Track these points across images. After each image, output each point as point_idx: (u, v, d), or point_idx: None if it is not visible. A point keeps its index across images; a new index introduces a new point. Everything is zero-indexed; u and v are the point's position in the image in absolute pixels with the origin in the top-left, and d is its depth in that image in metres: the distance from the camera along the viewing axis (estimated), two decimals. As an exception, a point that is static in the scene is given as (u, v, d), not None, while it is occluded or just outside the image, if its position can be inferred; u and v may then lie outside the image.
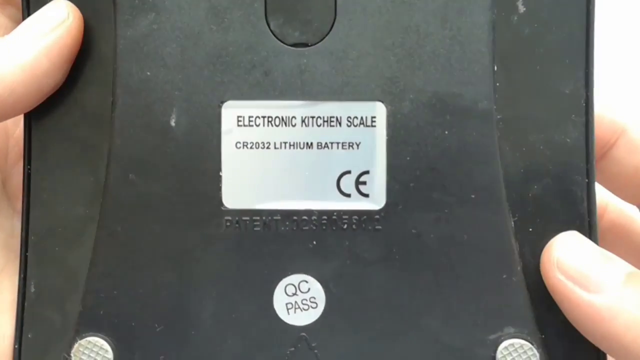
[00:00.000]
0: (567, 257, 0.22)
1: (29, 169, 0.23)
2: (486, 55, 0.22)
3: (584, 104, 0.23)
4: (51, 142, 0.23)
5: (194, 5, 0.22)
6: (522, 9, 0.23)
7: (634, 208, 0.27)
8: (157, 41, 0.22)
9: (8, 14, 0.26)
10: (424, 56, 0.22)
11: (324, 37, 0.22)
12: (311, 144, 0.22)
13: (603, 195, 0.27)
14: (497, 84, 0.22)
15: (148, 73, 0.22)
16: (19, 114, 0.24)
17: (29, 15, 0.24)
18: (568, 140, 0.23)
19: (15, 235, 0.25)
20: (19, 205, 0.25)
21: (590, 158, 0.23)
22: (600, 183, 0.26)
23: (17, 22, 0.26)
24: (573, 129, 0.23)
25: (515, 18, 0.23)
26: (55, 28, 0.23)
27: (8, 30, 0.26)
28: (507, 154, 0.22)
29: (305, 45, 0.22)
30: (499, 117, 0.22)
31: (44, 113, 0.23)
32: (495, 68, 0.22)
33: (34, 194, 0.23)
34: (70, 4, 0.23)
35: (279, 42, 0.22)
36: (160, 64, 0.22)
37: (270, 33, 0.22)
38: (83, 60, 0.23)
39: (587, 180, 0.23)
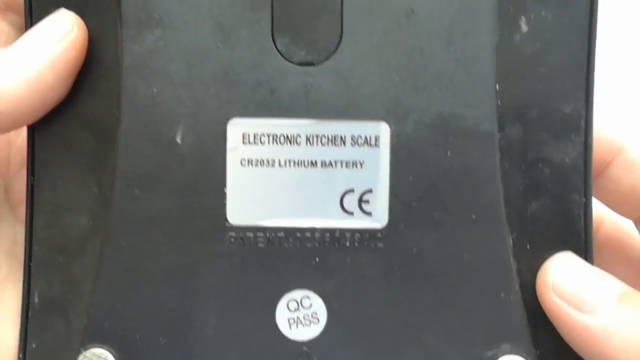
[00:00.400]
0: (562, 279, 0.22)
1: (33, 180, 0.23)
2: (489, 77, 0.22)
3: (584, 125, 0.23)
4: (54, 153, 0.23)
5: (200, 22, 0.22)
6: (525, 28, 0.23)
7: (630, 222, 0.27)
8: (163, 57, 0.22)
9: (9, 20, 0.26)
10: (427, 77, 0.22)
11: (329, 57, 0.22)
12: (315, 162, 0.22)
13: (599, 209, 0.27)
14: (499, 102, 0.23)
15: (154, 89, 0.22)
16: (23, 126, 0.24)
17: (32, 23, 0.23)
18: (567, 159, 0.23)
19: (18, 242, 0.25)
20: (21, 212, 0.25)
21: (588, 178, 0.23)
22: (597, 198, 0.26)
23: (19, 29, 0.26)
24: (572, 148, 0.23)
25: (518, 37, 0.23)
26: (59, 40, 0.23)
27: (9, 37, 0.26)
28: (507, 171, 0.23)
29: (311, 64, 0.22)
30: (499, 135, 0.23)
31: (47, 124, 0.23)
32: (497, 87, 0.23)
33: (37, 204, 0.23)
34: (75, 16, 0.23)
35: (285, 60, 0.22)
36: (167, 81, 0.22)
37: (277, 51, 0.22)
38: (87, 71, 0.23)
39: (584, 200, 0.23)
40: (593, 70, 0.23)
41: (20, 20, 0.26)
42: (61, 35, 0.23)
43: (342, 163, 0.22)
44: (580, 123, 0.23)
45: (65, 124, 0.23)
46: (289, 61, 0.22)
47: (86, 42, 0.23)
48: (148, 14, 0.22)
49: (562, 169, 0.23)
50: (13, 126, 0.23)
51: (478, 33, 0.22)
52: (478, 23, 0.22)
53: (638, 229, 0.26)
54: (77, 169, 0.23)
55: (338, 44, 0.22)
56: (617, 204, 0.26)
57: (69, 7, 0.23)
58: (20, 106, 0.22)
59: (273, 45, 0.22)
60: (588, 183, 0.23)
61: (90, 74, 0.23)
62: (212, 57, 0.22)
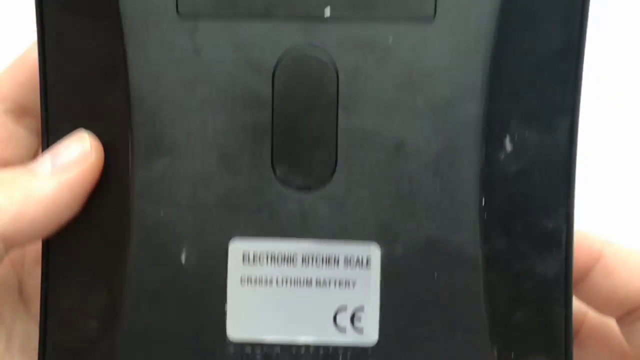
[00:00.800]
0: None
1: (47, 286, 0.25)
2: (473, 206, 0.24)
3: (564, 240, 0.25)
4: (68, 260, 0.25)
5: (206, 151, 0.24)
6: (509, 147, 0.25)
7: (612, 319, 0.29)
8: (171, 183, 0.24)
9: (25, 125, 0.27)
10: (415, 204, 0.24)
11: (325, 184, 0.24)
12: (310, 280, 0.24)
13: (581, 306, 0.29)
14: (485, 215, 0.24)
15: (162, 212, 0.24)
16: (37, 240, 0.25)
17: (48, 137, 0.25)
18: (549, 272, 0.25)
19: (31, 338, 0.26)
20: (34, 308, 0.27)
21: (569, 290, 0.25)
22: (579, 300, 0.28)
23: (34, 132, 0.28)
24: (554, 262, 0.25)
25: (503, 156, 0.25)
26: (78, 163, 0.24)
27: (25, 141, 0.28)
28: (492, 282, 0.24)
29: (308, 190, 0.24)
30: (486, 247, 0.24)
31: (61, 233, 0.25)
32: (484, 201, 0.24)
33: (50, 309, 0.25)
34: (93, 138, 0.24)
35: (283, 186, 0.24)
36: (173, 204, 0.24)
37: (276, 178, 0.24)
38: (100, 185, 0.25)
39: (565, 311, 0.25)
40: (574, 189, 0.25)
41: (36, 124, 0.28)
42: (80, 157, 0.24)
43: (335, 282, 0.24)
44: (561, 238, 0.25)
45: (78, 233, 0.25)
46: (287, 187, 0.24)
47: (102, 164, 0.24)
48: (157, 143, 0.24)
49: (545, 281, 0.25)
50: (29, 242, 0.25)
51: (462, 165, 0.24)
52: (462, 156, 0.24)
53: (619, 325, 0.28)
54: (89, 276, 0.25)
55: (333, 173, 0.24)
56: (598, 306, 0.28)
57: (83, 124, 0.25)
58: (37, 225, 0.24)
59: (272, 173, 0.24)
60: (569, 295, 0.25)
61: (103, 187, 0.25)
62: (216, 183, 0.24)
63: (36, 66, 0.25)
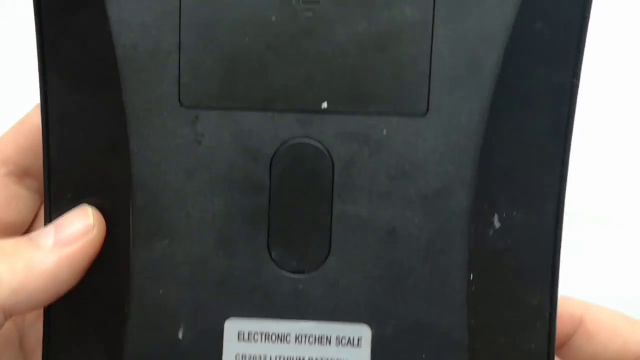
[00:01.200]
0: None
1: (48, 349, 0.26)
2: (460, 291, 0.25)
3: (548, 316, 0.26)
4: (69, 327, 0.26)
5: (204, 234, 0.24)
6: (497, 224, 0.26)
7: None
8: (170, 264, 0.25)
9: (26, 185, 0.28)
10: (406, 288, 0.25)
11: (319, 267, 0.25)
12: (303, 358, 0.25)
13: None
14: (473, 288, 0.25)
15: (160, 291, 0.25)
16: (37, 309, 0.26)
17: (50, 208, 0.26)
18: (532, 345, 0.26)
19: None
20: None
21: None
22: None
23: (36, 192, 0.29)
24: (537, 336, 0.26)
25: (491, 232, 0.26)
26: (80, 237, 0.25)
27: (27, 200, 0.28)
28: (478, 353, 0.25)
29: (302, 272, 0.25)
30: (472, 322, 0.25)
31: (62, 301, 0.26)
32: (472, 276, 0.25)
33: None
34: (97, 213, 0.25)
35: (278, 268, 0.25)
36: (172, 284, 0.25)
37: (271, 260, 0.25)
38: (102, 257, 0.25)
39: None
40: (558, 268, 0.26)
41: (36, 184, 0.28)
42: (82, 232, 0.25)
43: (327, 360, 0.25)
44: (545, 314, 0.26)
45: (79, 300, 0.26)
46: (283, 269, 0.25)
47: (103, 239, 0.25)
48: (158, 226, 0.24)
49: (528, 353, 0.26)
50: (28, 312, 0.26)
51: (452, 250, 0.25)
52: (452, 242, 0.25)
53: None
54: (90, 341, 0.26)
55: (327, 256, 0.25)
56: None
57: (85, 196, 0.26)
58: (36, 297, 0.24)
59: (268, 255, 0.25)
60: None
61: (104, 259, 0.25)
62: (214, 264, 0.25)
63: (37, 131, 0.26)
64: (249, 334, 0.25)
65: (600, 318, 0.29)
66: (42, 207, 0.28)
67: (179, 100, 0.24)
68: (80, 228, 0.25)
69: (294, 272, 0.25)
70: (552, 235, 0.26)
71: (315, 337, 0.25)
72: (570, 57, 0.25)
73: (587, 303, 0.29)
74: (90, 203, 0.25)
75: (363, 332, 0.25)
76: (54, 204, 0.26)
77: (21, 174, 0.28)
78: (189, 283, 0.25)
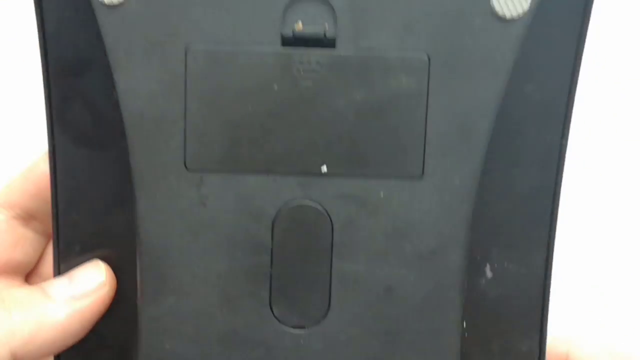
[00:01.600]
0: None
1: None
2: (455, 345, 0.26)
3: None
4: None
5: (209, 292, 0.25)
6: (489, 274, 0.27)
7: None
8: (176, 319, 0.26)
9: (33, 228, 0.29)
10: (402, 344, 0.26)
11: (319, 322, 0.26)
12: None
13: None
14: (466, 334, 0.26)
15: (167, 346, 0.26)
16: (46, 358, 0.27)
17: (59, 258, 0.27)
18: None
19: None
20: None
21: None
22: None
23: (42, 234, 0.29)
24: None
25: (483, 282, 0.27)
26: (92, 293, 0.26)
27: (33, 242, 0.29)
28: None
29: (303, 327, 0.26)
30: None
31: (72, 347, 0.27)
32: (465, 324, 0.26)
33: None
34: (109, 269, 0.26)
35: (280, 324, 0.26)
36: (177, 339, 0.26)
37: (273, 316, 0.26)
38: (111, 309, 0.26)
39: None
40: (547, 317, 0.27)
41: (42, 226, 0.29)
42: (94, 288, 0.26)
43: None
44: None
45: (88, 348, 0.27)
46: (284, 325, 0.26)
47: (114, 294, 0.26)
48: (164, 283, 0.25)
49: None
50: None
51: (446, 305, 0.26)
52: (446, 298, 0.26)
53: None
54: None
55: (327, 312, 0.26)
56: None
57: (92, 249, 0.27)
58: (47, 347, 0.26)
59: (270, 312, 0.26)
60: None
61: (113, 311, 0.26)
62: (217, 320, 0.25)
63: (44, 178, 0.27)
64: (251, 386, 0.26)
65: (585, 352, 0.30)
66: (47, 247, 0.29)
67: (185, 164, 0.25)
68: (93, 283, 0.26)
69: (294, 327, 0.26)
70: (541, 283, 0.27)
71: (315, 390, 0.26)
72: (559, 118, 0.26)
73: (570, 337, 0.31)
74: (98, 256, 0.27)
75: (361, 385, 0.26)
76: (63, 255, 0.27)
77: (28, 217, 0.29)
78: (194, 338, 0.26)
